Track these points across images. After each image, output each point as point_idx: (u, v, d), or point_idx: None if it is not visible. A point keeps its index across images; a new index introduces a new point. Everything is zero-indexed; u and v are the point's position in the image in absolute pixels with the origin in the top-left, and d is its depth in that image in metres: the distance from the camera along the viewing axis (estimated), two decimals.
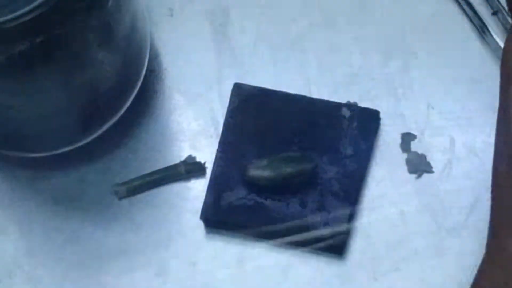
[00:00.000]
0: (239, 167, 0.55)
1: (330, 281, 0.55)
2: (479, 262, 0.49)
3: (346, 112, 0.57)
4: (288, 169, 0.54)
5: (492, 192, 0.48)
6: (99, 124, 0.56)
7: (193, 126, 0.59)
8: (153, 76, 0.60)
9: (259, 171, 0.54)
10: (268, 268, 0.55)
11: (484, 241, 0.54)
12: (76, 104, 0.54)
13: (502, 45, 0.59)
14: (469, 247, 0.55)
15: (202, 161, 0.57)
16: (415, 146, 0.58)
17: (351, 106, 0.57)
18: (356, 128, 0.56)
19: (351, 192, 0.55)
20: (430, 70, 0.60)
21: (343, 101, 0.58)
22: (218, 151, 0.56)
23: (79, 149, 0.57)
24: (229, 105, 0.58)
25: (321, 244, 0.54)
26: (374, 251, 0.55)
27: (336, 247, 0.55)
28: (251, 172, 0.54)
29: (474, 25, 0.61)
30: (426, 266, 0.54)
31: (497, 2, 0.61)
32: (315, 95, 0.58)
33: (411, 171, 0.57)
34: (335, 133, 0.56)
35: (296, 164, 0.54)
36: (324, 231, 0.54)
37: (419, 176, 0.57)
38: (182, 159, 0.58)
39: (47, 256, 0.56)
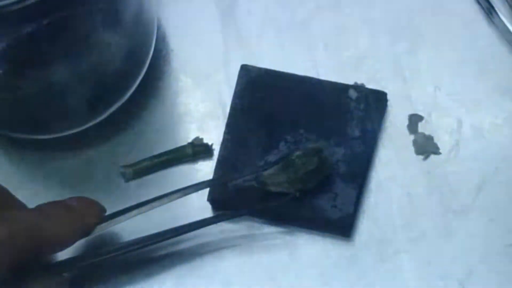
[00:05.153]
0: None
1: (337, 263, 0.55)
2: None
3: (353, 94, 0.57)
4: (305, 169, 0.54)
5: None
6: (106, 106, 0.57)
7: (200, 108, 0.59)
8: (160, 58, 0.60)
9: (280, 188, 0.54)
10: (275, 250, 0.55)
11: (491, 222, 0.54)
12: (83, 86, 0.54)
13: (509, 26, 0.59)
14: (476, 229, 0.55)
15: (209, 143, 0.58)
16: (422, 127, 0.58)
17: (359, 88, 0.57)
18: (363, 110, 0.56)
19: (358, 173, 0.55)
20: (437, 52, 0.60)
21: (350, 82, 0.57)
22: (225, 133, 0.56)
23: (87, 131, 0.57)
24: (236, 87, 0.58)
25: (328, 226, 0.55)
26: (381, 233, 0.55)
27: (343, 229, 0.55)
28: (271, 188, 0.54)
29: (481, 6, 0.61)
30: (433, 248, 0.55)
31: None
32: (322, 76, 0.58)
33: (418, 152, 0.57)
34: (342, 115, 0.56)
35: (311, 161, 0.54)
36: (331, 213, 0.54)
37: (426, 157, 0.57)
38: (189, 140, 0.58)
39: None
